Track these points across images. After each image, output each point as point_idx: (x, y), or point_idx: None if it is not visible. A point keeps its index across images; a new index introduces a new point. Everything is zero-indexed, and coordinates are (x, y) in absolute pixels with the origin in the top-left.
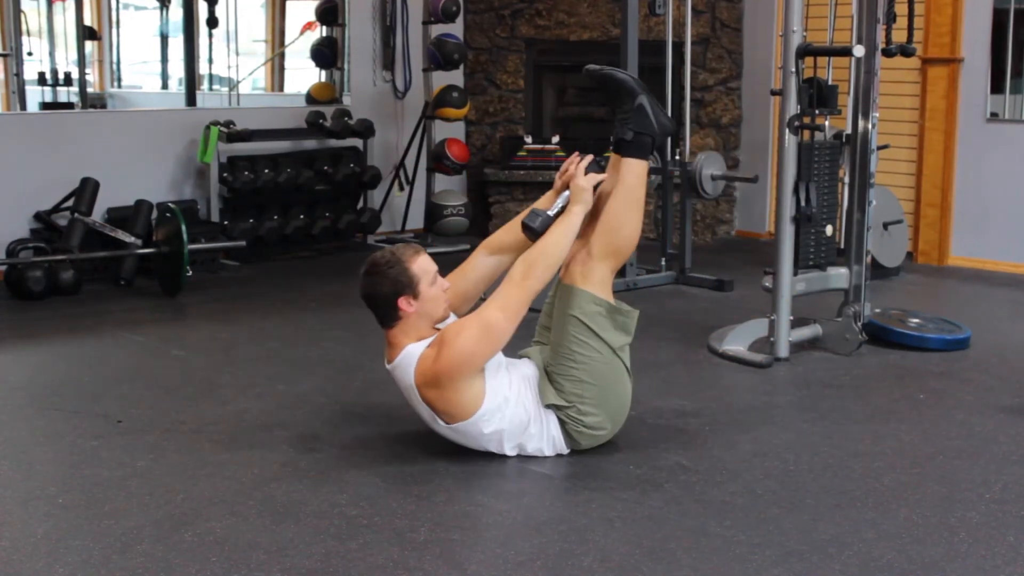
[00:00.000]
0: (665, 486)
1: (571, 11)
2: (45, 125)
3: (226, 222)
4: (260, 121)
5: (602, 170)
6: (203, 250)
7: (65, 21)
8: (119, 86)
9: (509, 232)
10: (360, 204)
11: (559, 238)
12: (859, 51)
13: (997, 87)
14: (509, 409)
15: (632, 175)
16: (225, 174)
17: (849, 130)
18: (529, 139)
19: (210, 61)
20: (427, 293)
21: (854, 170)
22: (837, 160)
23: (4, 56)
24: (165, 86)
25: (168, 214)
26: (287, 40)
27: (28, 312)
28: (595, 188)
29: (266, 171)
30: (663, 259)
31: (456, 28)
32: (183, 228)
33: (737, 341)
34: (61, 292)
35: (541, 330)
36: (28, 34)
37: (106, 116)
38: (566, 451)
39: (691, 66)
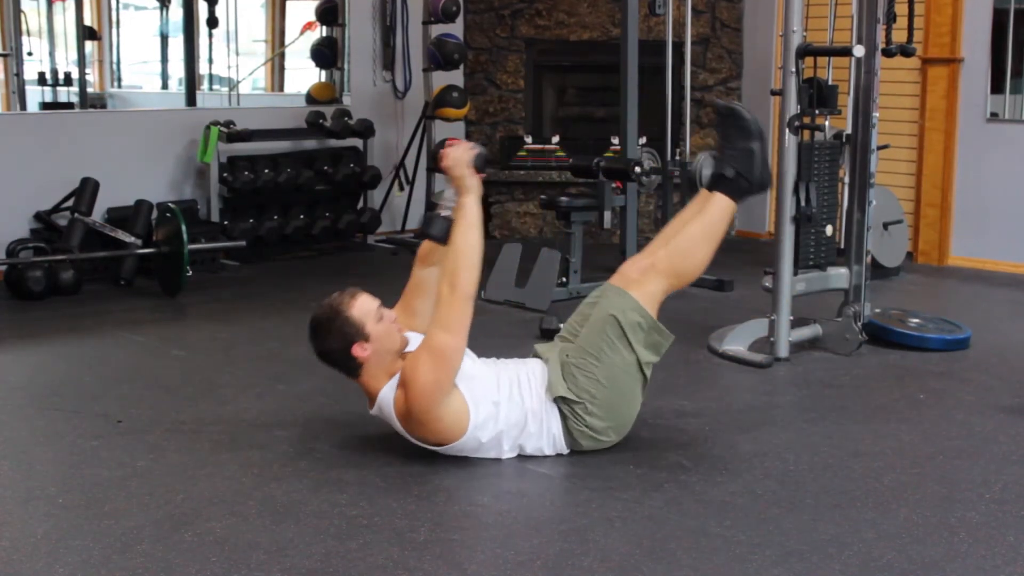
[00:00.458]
0: (665, 486)
1: (571, 11)
2: (45, 125)
3: (226, 222)
4: (260, 121)
5: (481, 163)
6: (203, 250)
7: (65, 21)
8: (119, 86)
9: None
10: (360, 204)
11: (466, 234)
12: (859, 51)
13: (997, 87)
14: (502, 411)
15: (718, 210)
16: (225, 174)
17: (849, 130)
18: (529, 139)
19: (210, 61)
20: (377, 331)
21: (854, 170)
22: (837, 160)
23: (4, 56)
24: (165, 86)
25: (168, 214)
26: (287, 40)
27: (28, 312)
28: (475, 166)
29: (266, 171)
30: None
31: (456, 28)
32: (183, 228)
33: (737, 341)
34: (61, 292)
35: (569, 327)
36: (28, 34)
37: (106, 116)
38: (566, 451)
39: (691, 66)
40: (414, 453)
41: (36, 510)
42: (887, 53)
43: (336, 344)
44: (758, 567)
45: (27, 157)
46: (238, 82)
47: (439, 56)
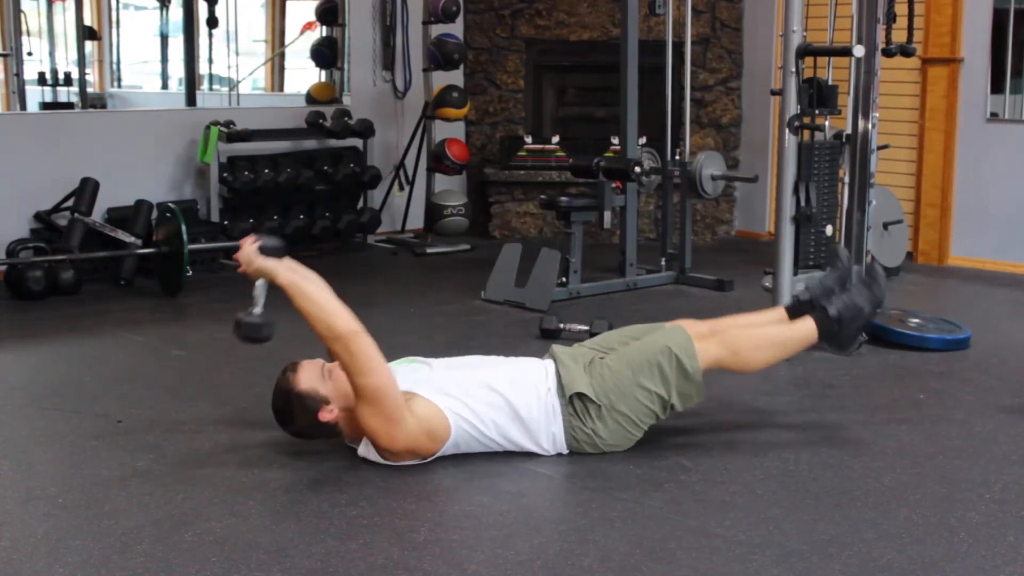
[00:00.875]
0: (665, 486)
1: (571, 11)
2: (45, 125)
3: (226, 222)
4: (260, 121)
5: (272, 246)
6: (203, 250)
7: (65, 21)
8: (119, 86)
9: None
10: (360, 204)
11: (305, 299)
12: (859, 51)
13: (997, 87)
14: (479, 403)
15: (801, 335)
16: (225, 174)
17: (849, 130)
18: (529, 139)
19: (210, 61)
20: (331, 390)
21: (854, 170)
22: (837, 160)
23: (4, 56)
24: (165, 86)
25: (168, 214)
26: (287, 40)
27: (28, 312)
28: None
29: (266, 171)
30: (663, 259)
31: (456, 28)
32: (183, 228)
33: None
34: (61, 292)
35: (604, 341)
36: (28, 34)
37: (106, 116)
38: (566, 451)
39: (691, 66)
40: None
41: (36, 510)
42: (887, 53)
43: (304, 421)
44: (758, 567)
45: (27, 157)
46: (238, 82)
47: (439, 56)
